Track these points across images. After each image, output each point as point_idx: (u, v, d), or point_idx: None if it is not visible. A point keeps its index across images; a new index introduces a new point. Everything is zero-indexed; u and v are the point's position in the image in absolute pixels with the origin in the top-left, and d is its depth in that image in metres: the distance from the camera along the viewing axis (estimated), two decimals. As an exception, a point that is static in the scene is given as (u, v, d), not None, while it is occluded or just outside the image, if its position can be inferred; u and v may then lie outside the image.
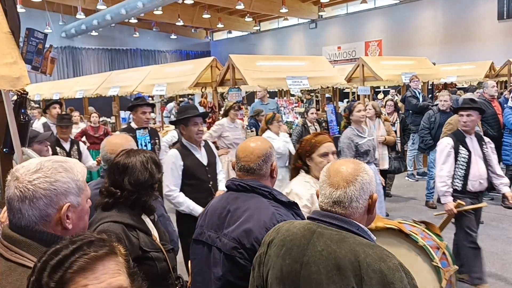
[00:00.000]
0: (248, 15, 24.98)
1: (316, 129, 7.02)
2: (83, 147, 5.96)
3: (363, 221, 1.65)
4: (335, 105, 10.60)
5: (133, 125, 4.76)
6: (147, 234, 2.11)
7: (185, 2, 20.52)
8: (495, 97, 7.32)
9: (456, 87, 13.45)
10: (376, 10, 22.41)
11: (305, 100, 14.32)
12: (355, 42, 23.14)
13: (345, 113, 5.32)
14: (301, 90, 13.26)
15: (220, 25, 26.14)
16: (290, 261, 1.59)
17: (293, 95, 13.77)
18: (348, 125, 5.12)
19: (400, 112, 7.88)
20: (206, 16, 23.84)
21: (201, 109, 8.68)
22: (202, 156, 3.83)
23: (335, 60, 23.17)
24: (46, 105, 6.76)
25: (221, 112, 8.41)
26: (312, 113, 7.20)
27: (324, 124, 7.69)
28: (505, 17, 17.55)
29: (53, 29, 22.53)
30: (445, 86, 13.03)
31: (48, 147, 4.11)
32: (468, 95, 6.36)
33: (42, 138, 3.94)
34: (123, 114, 12.03)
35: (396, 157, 6.66)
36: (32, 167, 1.33)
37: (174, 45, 30.82)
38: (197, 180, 3.71)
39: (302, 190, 2.66)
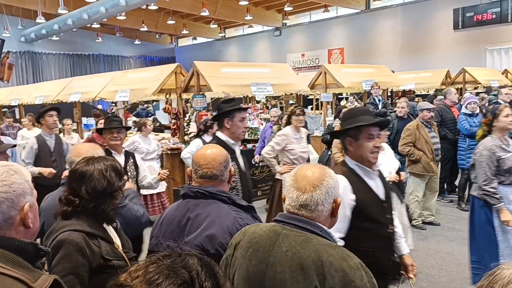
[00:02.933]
0: (213, 21, 24.98)
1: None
2: (140, 160, 4.52)
3: (327, 223, 1.72)
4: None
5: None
6: (109, 243, 2.09)
7: (149, 7, 20.31)
8: (456, 103, 7.69)
9: (414, 94, 13.90)
10: (338, 18, 22.91)
11: (270, 107, 14.46)
12: (318, 49, 23.56)
13: (487, 118, 4.10)
14: (266, 97, 13.39)
15: (185, 31, 26.03)
16: (256, 262, 1.64)
17: (258, 102, 13.88)
18: (488, 133, 4.04)
19: None
20: (170, 22, 23.69)
21: (167, 116, 8.58)
22: (377, 186, 2.59)
23: (299, 67, 23.49)
24: (39, 112, 5.61)
25: (186, 119, 8.37)
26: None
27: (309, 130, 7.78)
28: (460, 27, 18.34)
29: (11, 33, 21.83)
30: (404, 93, 13.45)
31: (9, 159, 3.95)
32: (424, 103, 6.63)
33: (2, 149, 3.79)
34: (85, 120, 11.78)
35: None
36: None
37: (138, 51, 30.41)
38: (373, 223, 2.49)
39: None
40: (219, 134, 3.51)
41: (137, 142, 6.74)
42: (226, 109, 3.47)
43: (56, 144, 5.45)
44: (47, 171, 5.08)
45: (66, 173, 4.99)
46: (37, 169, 5.12)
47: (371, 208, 2.49)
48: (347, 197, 2.37)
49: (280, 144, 5.23)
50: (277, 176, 5.38)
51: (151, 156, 6.77)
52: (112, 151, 4.16)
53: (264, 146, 7.60)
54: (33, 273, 1.31)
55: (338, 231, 2.29)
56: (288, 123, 5.43)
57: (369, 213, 2.47)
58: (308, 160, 5.47)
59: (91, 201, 2.05)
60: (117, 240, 2.17)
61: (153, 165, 6.73)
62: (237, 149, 3.53)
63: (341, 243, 1.96)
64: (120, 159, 4.14)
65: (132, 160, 4.30)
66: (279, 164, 5.37)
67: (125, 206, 2.68)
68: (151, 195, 6.47)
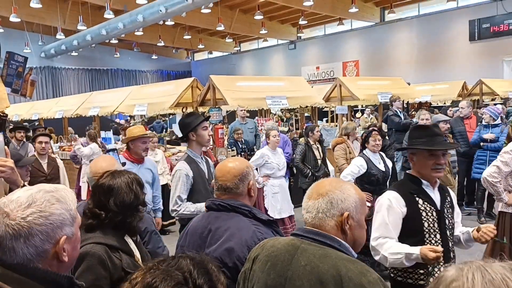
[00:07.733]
0: (228, 36, 25.26)
1: (318, 147, 6.69)
2: None
3: (340, 236, 1.67)
4: (314, 123, 10.77)
5: None
6: (129, 256, 2.12)
7: (166, 23, 20.66)
8: (468, 116, 7.57)
9: (431, 106, 13.79)
10: (353, 31, 22.94)
11: (285, 119, 14.49)
12: (333, 62, 23.59)
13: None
14: (281, 109, 13.45)
15: (200, 46, 26.34)
16: (274, 276, 1.64)
17: (274, 114, 13.93)
18: None
19: (385, 138, 6.79)
20: (187, 37, 24.02)
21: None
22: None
23: (313, 80, 23.53)
24: (186, 123, 3.87)
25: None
26: (317, 132, 6.67)
27: (324, 143, 7.74)
28: (476, 39, 18.20)
29: (32, 49, 22.35)
30: (420, 105, 13.36)
31: (29, 171, 4.00)
32: (439, 115, 6.56)
33: (24, 163, 3.86)
34: (103, 134, 11.96)
35: None
36: (24, 200, 1.25)
37: (155, 65, 30.83)
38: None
39: None
40: None
41: (267, 155, 5.65)
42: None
43: (208, 167, 3.78)
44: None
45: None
46: (201, 206, 3.23)
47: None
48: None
49: (509, 165, 3.76)
50: (502, 209, 3.90)
51: (280, 173, 5.51)
52: None
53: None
54: None
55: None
56: None
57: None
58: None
59: (119, 214, 2.08)
60: (137, 253, 2.20)
61: (284, 184, 5.59)
62: None
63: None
64: None
65: None
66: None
67: (156, 233, 2.76)
68: (282, 219, 5.56)
